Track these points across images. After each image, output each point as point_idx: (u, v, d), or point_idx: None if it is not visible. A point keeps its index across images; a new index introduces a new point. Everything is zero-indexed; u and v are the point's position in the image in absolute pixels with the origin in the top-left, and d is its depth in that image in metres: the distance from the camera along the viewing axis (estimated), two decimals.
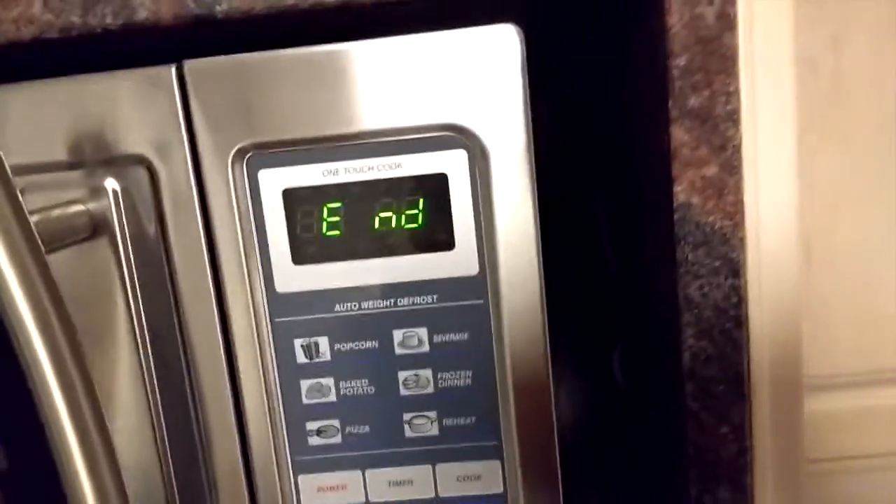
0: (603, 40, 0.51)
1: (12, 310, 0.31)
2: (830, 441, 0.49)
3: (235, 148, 0.37)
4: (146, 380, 0.40)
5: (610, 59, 0.50)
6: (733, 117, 0.39)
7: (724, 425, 0.42)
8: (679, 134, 0.39)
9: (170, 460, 0.40)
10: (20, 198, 0.30)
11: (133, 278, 0.39)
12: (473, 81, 0.36)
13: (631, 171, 0.49)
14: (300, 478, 0.41)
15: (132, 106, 0.37)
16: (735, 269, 0.41)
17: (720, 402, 0.42)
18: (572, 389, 0.59)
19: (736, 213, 0.40)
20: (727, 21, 0.37)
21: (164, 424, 0.40)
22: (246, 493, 0.41)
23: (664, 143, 0.40)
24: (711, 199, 0.40)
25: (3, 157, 0.29)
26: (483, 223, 0.38)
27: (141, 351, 0.40)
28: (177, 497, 0.41)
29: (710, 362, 0.42)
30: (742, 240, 0.41)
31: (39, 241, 0.31)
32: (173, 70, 0.36)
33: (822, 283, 0.48)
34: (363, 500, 0.41)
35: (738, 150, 0.39)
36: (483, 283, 0.39)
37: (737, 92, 0.39)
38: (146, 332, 0.39)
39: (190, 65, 0.37)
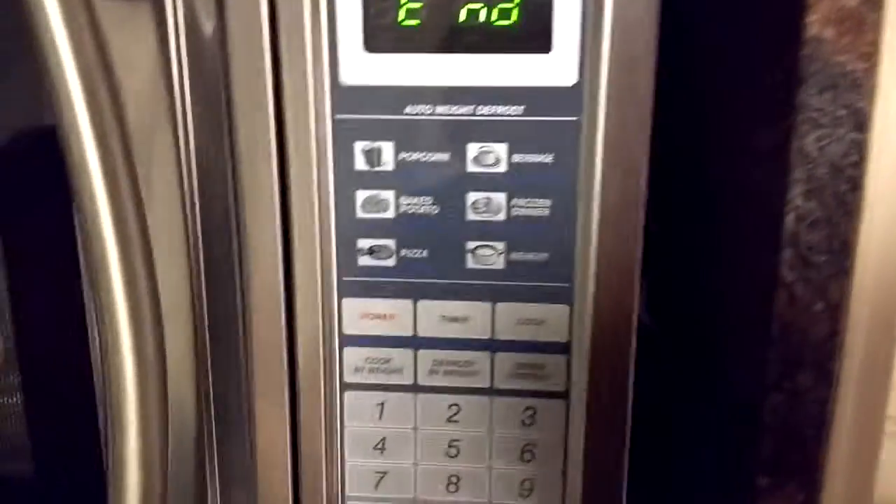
0: None
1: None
2: None
3: None
4: (184, 171, 0.35)
5: None
6: None
7: (820, 301, 0.38)
8: None
9: (202, 275, 0.36)
10: None
11: (180, 50, 0.34)
12: None
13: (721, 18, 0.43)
14: (344, 301, 0.37)
15: None
16: (860, 122, 0.36)
17: (819, 273, 0.37)
18: None
19: (872, 55, 0.35)
20: None
21: (199, 226, 0.36)
22: (283, 314, 0.37)
23: None
24: (847, 36, 0.35)
25: None
26: (591, 24, 0.33)
27: (181, 136, 0.35)
28: (206, 319, 0.36)
29: (815, 227, 0.37)
30: (874, 88, 0.35)
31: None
32: None
33: None
34: (410, 333, 0.37)
35: None
36: (580, 96, 0.34)
37: None
38: (188, 112, 0.34)
39: None
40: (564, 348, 0.36)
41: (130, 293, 0.29)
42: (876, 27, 0.35)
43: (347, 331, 0.37)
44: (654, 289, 0.48)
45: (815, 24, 0.34)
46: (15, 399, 0.41)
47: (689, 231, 0.49)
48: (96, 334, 0.38)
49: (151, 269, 0.29)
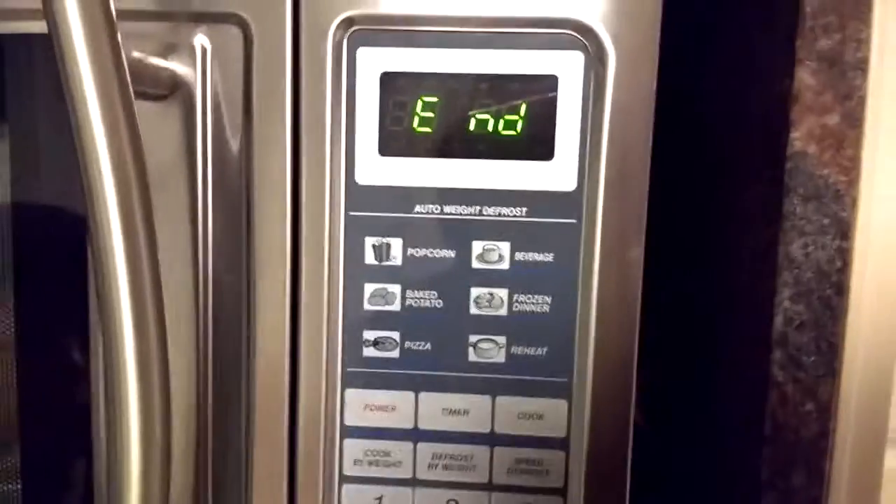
0: None
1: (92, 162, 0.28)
2: None
3: (340, 17, 0.35)
4: (200, 259, 0.37)
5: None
6: (862, 66, 0.37)
7: (810, 401, 0.39)
8: (804, 76, 0.37)
9: (209, 352, 0.37)
10: (118, 38, 0.28)
11: (206, 146, 0.36)
12: None
13: (714, 130, 0.46)
14: (348, 392, 0.38)
15: None
16: (844, 231, 0.38)
17: (809, 374, 0.39)
18: None
19: (852, 169, 0.37)
20: None
21: (209, 312, 0.37)
22: (286, 402, 0.37)
23: (786, 86, 0.37)
24: (829, 151, 0.37)
25: None
26: (590, 135, 0.35)
27: (199, 228, 0.37)
28: (210, 394, 0.37)
29: (803, 329, 0.38)
30: (855, 199, 0.38)
31: (129, 85, 0.28)
32: None
33: None
34: (411, 425, 0.38)
35: (862, 101, 0.37)
36: (579, 201, 0.36)
37: (868, 40, 0.37)
38: (209, 206, 0.36)
39: None
40: (563, 444, 0.37)
41: (143, 389, 0.30)
42: (855, 143, 0.38)
43: (349, 422, 0.38)
44: (646, 389, 0.48)
45: (799, 140, 0.37)
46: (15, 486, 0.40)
47: (686, 329, 0.51)
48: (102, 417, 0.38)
49: (166, 366, 0.30)
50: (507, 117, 0.36)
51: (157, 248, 0.30)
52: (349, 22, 0.35)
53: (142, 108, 0.35)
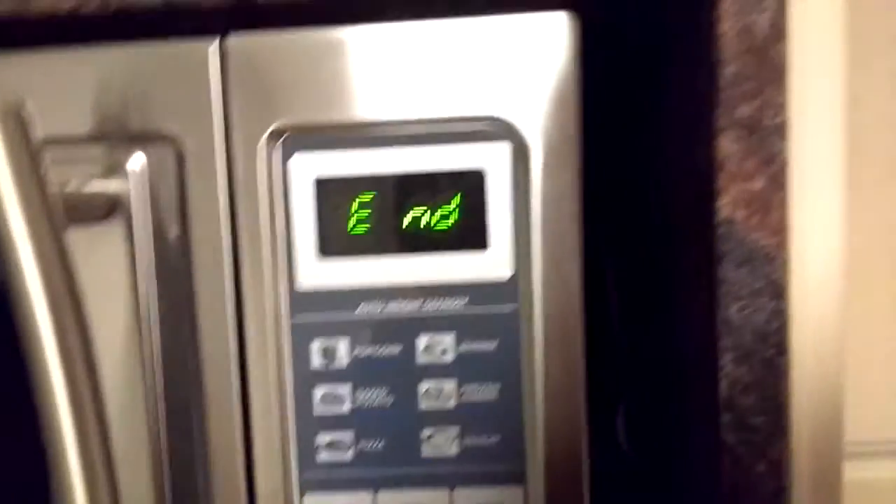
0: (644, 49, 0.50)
1: (23, 289, 0.28)
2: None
3: (270, 128, 0.35)
4: (147, 378, 0.37)
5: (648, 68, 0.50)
6: (781, 130, 0.38)
7: (762, 462, 0.40)
8: (726, 144, 0.38)
9: (165, 468, 0.37)
10: (45, 168, 0.28)
11: (145, 267, 0.36)
12: (522, 72, 0.35)
13: (657, 197, 0.47)
14: (306, 497, 0.37)
15: (166, 80, 0.35)
16: (778, 292, 0.39)
17: (759, 435, 0.39)
18: None
19: (781, 231, 0.39)
20: (778, 31, 0.37)
21: (163, 428, 0.37)
22: None
23: (709, 154, 0.38)
24: (756, 215, 0.38)
25: (30, 123, 0.27)
26: (521, 223, 0.36)
27: (145, 347, 0.37)
28: None
29: (748, 391, 0.39)
30: (786, 261, 0.39)
31: (62, 217, 0.28)
32: (216, 43, 0.35)
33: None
34: None
35: (785, 164, 0.38)
36: (516, 288, 0.36)
37: (786, 104, 0.38)
38: (154, 327, 0.36)
39: (234, 39, 0.35)
40: None
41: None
42: (781, 205, 0.39)
43: None
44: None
45: (727, 206, 0.38)
46: None
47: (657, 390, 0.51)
48: None
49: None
50: (441, 210, 0.36)
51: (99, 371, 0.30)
52: (279, 132, 0.36)
53: (81, 232, 0.36)
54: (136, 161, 0.36)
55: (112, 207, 0.36)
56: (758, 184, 0.38)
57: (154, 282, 0.36)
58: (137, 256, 0.36)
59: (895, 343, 0.46)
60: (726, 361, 0.39)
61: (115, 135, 0.36)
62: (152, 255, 0.36)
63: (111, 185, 0.36)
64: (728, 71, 0.37)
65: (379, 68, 0.36)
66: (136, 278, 0.36)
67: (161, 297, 0.36)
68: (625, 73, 0.52)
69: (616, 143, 0.52)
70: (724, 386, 0.39)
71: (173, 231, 0.36)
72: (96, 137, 0.36)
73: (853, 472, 0.41)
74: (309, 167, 0.36)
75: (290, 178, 0.36)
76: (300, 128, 0.36)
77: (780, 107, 0.38)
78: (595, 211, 0.42)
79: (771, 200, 0.38)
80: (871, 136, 0.49)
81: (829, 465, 0.40)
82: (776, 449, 0.39)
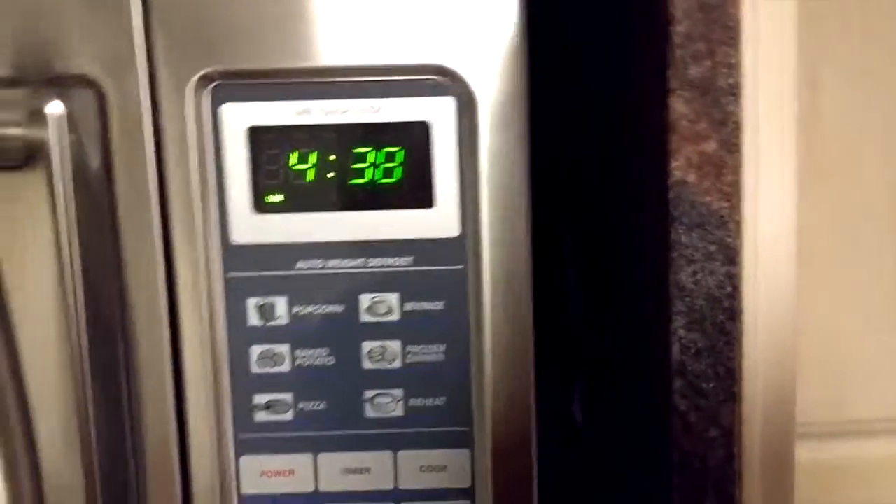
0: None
1: None
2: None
3: (198, 74, 0.33)
4: (72, 335, 0.35)
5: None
6: (734, 91, 0.37)
7: (713, 428, 0.39)
8: (678, 105, 0.37)
9: (92, 429, 0.35)
10: None
11: (69, 218, 0.34)
12: (468, 22, 0.34)
13: (614, 160, 0.46)
14: (242, 459, 0.36)
15: (85, 20, 0.33)
16: (731, 256, 0.38)
17: (709, 401, 0.39)
18: None
19: (733, 195, 0.38)
20: None
21: (89, 387, 0.35)
22: (178, 475, 0.36)
23: (661, 115, 0.37)
24: (709, 178, 0.38)
25: None
26: (468, 180, 0.35)
27: (70, 304, 0.35)
28: (96, 473, 0.35)
29: (700, 356, 0.38)
30: (739, 224, 0.38)
31: None
32: None
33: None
34: (312, 489, 0.36)
35: (738, 126, 0.37)
36: (463, 246, 0.35)
37: (739, 65, 0.37)
38: (78, 281, 0.34)
39: None
40: (468, 494, 0.36)
41: None
42: (734, 168, 0.38)
43: (246, 490, 0.36)
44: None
45: (679, 168, 0.37)
46: None
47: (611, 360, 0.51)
48: None
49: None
50: (385, 165, 0.35)
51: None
52: (209, 78, 0.34)
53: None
54: (56, 106, 0.34)
55: (32, 154, 0.34)
56: (710, 146, 0.37)
57: (76, 234, 0.34)
58: (58, 206, 0.34)
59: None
60: (678, 326, 0.38)
61: (34, 79, 0.33)
62: (73, 205, 0.34)
63: (30, 132, 0.34)
64: (679, 29, 0.36)
65: (321, 13, 0.34)
66: (58, 230, 0.34)
67: (85, 250, 0.34)
68: (576, 28, 0.50)
69: (566, 101, 0.51)
70: (675, 351, 0.38)
71: (97, 180, 0.34)
72: (14, 82, 0.33)
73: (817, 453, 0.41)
74: (241, 115, 0.34)
75: (221, 127, 0.34)
76: (232, 73, 0.34)
77: (732, 67, 0.37)
78: (552, 180, 0.41)
79: (724, 163, 0.37)
80: (829, 98, 0.49)
81: (781, 434, 0.40)
82: (727, 415, 0.39)
